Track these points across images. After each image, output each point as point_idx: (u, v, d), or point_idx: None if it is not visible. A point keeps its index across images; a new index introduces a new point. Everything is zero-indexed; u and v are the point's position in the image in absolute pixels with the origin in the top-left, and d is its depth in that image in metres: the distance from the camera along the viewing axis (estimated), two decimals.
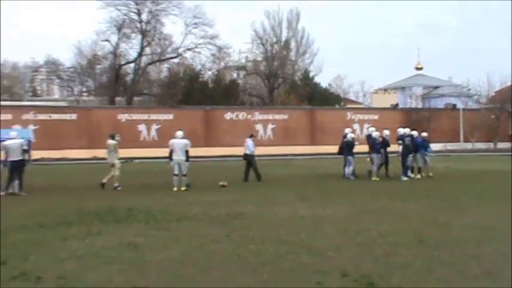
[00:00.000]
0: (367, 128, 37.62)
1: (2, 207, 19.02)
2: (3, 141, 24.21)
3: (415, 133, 30.21)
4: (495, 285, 8.35)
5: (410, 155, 28.99)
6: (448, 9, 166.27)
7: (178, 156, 24.26)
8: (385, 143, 28.97)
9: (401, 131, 29.97)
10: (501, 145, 75.77)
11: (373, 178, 28.19)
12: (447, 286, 8.32)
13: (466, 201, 19.10)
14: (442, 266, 9.60)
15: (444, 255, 10.43)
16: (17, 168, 23.64)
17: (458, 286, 8.30)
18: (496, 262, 9.84)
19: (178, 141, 24.59)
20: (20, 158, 23.74)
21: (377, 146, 28.71)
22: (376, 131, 29.69)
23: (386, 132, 29.63)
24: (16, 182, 23.68)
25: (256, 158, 29.13)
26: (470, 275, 8.98)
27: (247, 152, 29.04)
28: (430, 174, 29.82)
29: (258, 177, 28.23)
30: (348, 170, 29.19)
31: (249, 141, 29.42)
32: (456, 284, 8.39)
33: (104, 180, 24.90)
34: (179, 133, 24.99)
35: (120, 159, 25.63)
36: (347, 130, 31.30)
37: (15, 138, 24.27)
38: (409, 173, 28.78)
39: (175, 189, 23.67)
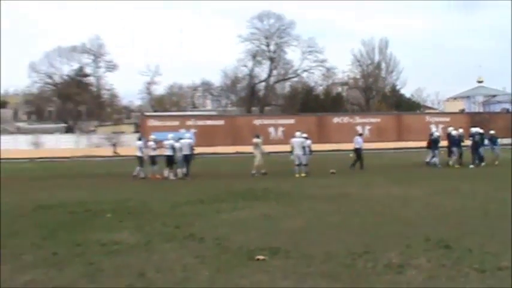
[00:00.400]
0: (446, 128, 36.73)
1: (174, 188, 19.60)
2: (178, 140, 25.01)
3: (482, 131, 29.60)
4: None
5: (480, 148, 28.34)
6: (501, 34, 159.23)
7: (297, 151, 24.30)
8: (460, 139, 28.43)
9: (473, 130, 29.62)
10: None
11: (450, 163, 27.74)
12: (505, 248, 8.06)
13: None
14: (501, 233, 9.31)
15: (503, 224, 10.12)
16: (186, 160, 24.33)
17: None
18: None
19: (297, 140, 24.60)
20: (189, 152, 24.39)
21: (456, 141, 28.22)
22: (454, 130, 29.21)
23: (461, 130, 29.17)
24: (182, 170, 24.37)
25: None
26: None
27: (357, 146, 28.78)
28: (496, 162, 28.84)
29: (362, 166, 27.95)
30: (435, 160, 28.60)
31: (359, 138, 29.18)
32: None
33: (263, 171, 25.07)
34: (297, 133, 25.07)
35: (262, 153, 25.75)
36: (433, 130, 30.86)
37: (187, 139, 25.07)
38: (482, 164, 28.03)
39: (297, 175, 23.66)
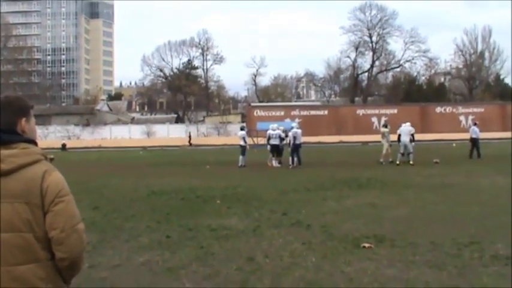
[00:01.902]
0: None
1: (281, 176, 19.70)
2: (289, 130, 25.04)
3: None
4: None
5: None
6: None
7: (404, 138, 23.77)
8: None
9: None
10: None
11: None
12: None
13: None
14: None
15: None
16: (298, 148, 24.25)
17: None
18: None
19: (404, 128, 24.09)
20: (300, 141, 24.33)
21: None
22: None
23: None
24: (295, 159, 24.32)
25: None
26: None
27: (474, 136, 27.93)
28: None
29: (476, 155, 27.07)
30: None
31: (475, 128, 28.31)
32: None
33: (390, 159, 24.41)
34: (408, 123, 24.50)
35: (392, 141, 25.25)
36: None
37: (296, 128, 24.80)
38: None
39: (397, 162, 23.24)
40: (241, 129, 27.24)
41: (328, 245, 7.87)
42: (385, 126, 26.00)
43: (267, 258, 7.22)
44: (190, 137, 64.88)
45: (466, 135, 28.57)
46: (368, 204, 11.86)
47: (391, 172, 20.07)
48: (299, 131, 24.46)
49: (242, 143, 25.46)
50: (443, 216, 10.13)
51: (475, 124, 29.28)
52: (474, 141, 27.59)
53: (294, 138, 24.01)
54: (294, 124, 26.27)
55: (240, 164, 24.90)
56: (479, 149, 27.13)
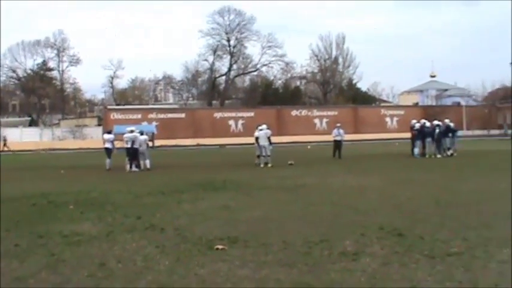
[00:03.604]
0: (401, 121, 36.95)
1: (136, 180, 19.42)
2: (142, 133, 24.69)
3: (440, 123, 29.45)
4: (490, 233, 8.31)
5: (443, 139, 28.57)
6: (454, 33, 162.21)
7: (262, 142, 24.37)
8: (434, 130, 28.48)
9: (434, 122, 29.74)
10: (492, 132, 75.82)
11: (416, 155, 28.23)
12: (455, 235, 8.22)
13: (469, 173, 18.93)
14: (451, 221, 9.45)
15: (453, 213, 10.30)
16: (134, 153, 23.94)
17: (463, 235, 8.19)
18: (491, 216, 9.78)
19: (262, 132, 24.68)
20: (137, 146, 23.92)
21: (431, 132, 28.34)
22: (417, 122, 29.31)
23: (424, 121, 29.46)
24: (145, 162, 24.08)
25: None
26: (471, 226, 8.92)
27: (338, 138, 29.26)
28: (454, 154, 28.87)
29: (340, 156, 28.67)
30: (417, 150, 28.53)
31: (337, 131, 29.64)
32: (461, 234, 8.28)
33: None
34: (264, 126, 25.12)
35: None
36: (413, 121, 30.39)
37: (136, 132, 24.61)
38: (447, 153, 28.42)
39: (262, 165, 23.83)
40: (109, 132, 26.89)
41: (182, 248, 7.84)
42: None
43: (120, 263, 7.07)
44: (5, 141, 61.25)
45: (320, 138, 29.85)
46: (222, 206, 11.97)
47: (246, 174, 20.44)
48: (137, 134, 24.19)
49: (109, 145, 25.03)
50: (296, 216, 10.44)
51: (337, 127, 30.43)
52: (335, 142, 28.98)
53: (133, 142, 23.75)
54: (133, 127, 25.59)
55: (108, 168, 24.53)
56: (336, 150, 28.57)
